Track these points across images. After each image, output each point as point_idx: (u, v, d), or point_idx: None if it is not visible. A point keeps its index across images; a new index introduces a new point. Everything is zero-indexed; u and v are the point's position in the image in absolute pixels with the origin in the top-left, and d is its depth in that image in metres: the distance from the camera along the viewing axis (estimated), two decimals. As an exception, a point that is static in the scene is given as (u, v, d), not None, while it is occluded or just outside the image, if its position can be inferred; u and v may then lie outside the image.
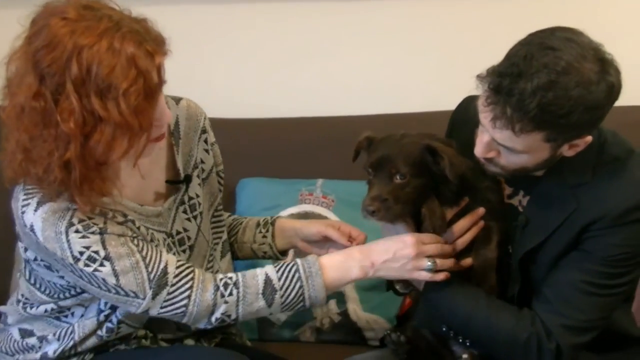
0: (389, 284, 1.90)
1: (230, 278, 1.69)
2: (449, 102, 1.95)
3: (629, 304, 1.88)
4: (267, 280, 1.69)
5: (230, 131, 2.47)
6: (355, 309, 2.34)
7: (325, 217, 2.37)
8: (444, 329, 1.76)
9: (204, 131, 1.91)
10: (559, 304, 1.67)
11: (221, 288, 1.67)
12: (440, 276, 1.70)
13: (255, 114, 2.63)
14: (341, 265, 1.72)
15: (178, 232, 1.82)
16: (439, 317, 1.75)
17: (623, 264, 1.66)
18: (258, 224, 2.01)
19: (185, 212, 1.84)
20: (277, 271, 1.71)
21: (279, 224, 1.99)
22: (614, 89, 1.55)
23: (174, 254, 1.79)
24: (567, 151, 1.62)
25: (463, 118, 1.79)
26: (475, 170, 1.72)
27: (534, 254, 1.71)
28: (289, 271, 1.70)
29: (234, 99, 2.68)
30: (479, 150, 1.64)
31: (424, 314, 1.79)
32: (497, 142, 1.59)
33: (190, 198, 1.85)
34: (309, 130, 2.57)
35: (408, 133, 1.74)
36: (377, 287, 2.21)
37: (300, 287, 1.69)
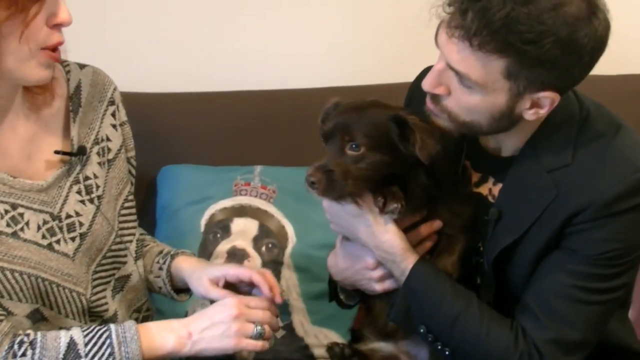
0: (333, 294, 1.87)
1: (28, 335, 1.61)
2: (411, 73, 1.90)
3: (624, 311, 1.83)
4: (71, 344, 1.61)
5: (149, 108, 2.38)
6: (302, 322, 2.27)
7: (264, 211, 2.31)
8: (421, 330, 1.67)
9: (111, 102, 1.84)
10: (545, 317, 1.62)
11: (15, 346, 1.59)
12: (265, 344, 1.70)
13: (179, 87, 2.51)
14: (157, 334, 1.66)
15: (68, 216, 1.74)
16: (418, 314, 1.67)
17: (615, 262, 1.60)
18: (160, 252, 1.94)
19: (79, 193, 1.76)
20: (85, 335, 1.63)
21: (178, 259, 1.90)
22: (598, 39, 1.51)
23: (60, 241, 1.71)
24: (527, 111, 1.56)
25: (422, 93, 1.70)
26: (452, 171, 1.70)
27: (509, 253, 1.65)
28: (100, 336, 1.63)
29: (153, 70, 2.56)
30: (428, 82, 1.60)
31: (399, 309, 1.68)
32: (451, 66, 1.54)
33: (87, 177, 1.78)
34: (244, 106, 2.47)
35: (379, 101, 1.67)
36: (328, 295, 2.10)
37: (111, 354, 1.61)
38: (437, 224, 1.68)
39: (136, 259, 1.87)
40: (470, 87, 1.54)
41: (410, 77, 1.90)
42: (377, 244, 1.66)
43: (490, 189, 1.73)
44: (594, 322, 1.63)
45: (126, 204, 1.86)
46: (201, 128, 2.43)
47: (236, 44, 2.60)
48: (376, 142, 1.59)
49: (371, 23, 2.62)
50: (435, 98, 1.61)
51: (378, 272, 1.71)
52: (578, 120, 1.63)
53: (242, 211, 2.29)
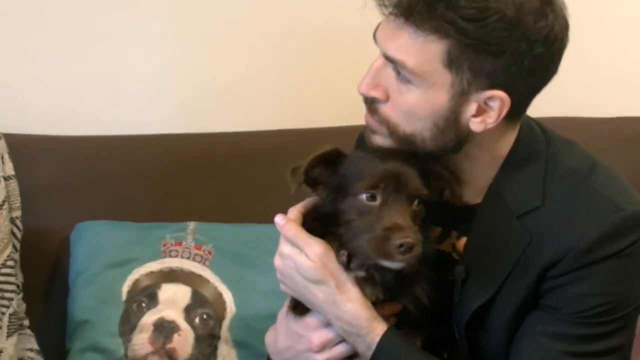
0: None
1: None
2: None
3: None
4: None
5: (59, 154, 2.27)
6: None
7: (198, 276, 2.18)
8: None
9: None
10: None
11: None
12: None
13: (94, 130, 2.41)
14: None
15: None
16: None
17: (604, 320, 1.54)
18: None
19: None
20: None
21: None
22: (551, 28, 1.50)
23: None
24: (474, 119, 1.54)
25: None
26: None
27: (481, 317, 1.60)
28: None
29: (60, 110, 2.45)
30: (364, 83, 1.58)
31: None
32: (387, 55, 1.54)
33: None
34: (176, 152, 2.37)
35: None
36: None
37: None
38: (395, 307, 1.62)
39: (8, 335, 1.81)
40: (409, 80, 1.52)
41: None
42: (339, 314, 1.58)
43: (454, 244, 1.69)
44: None
45: (4, 270, 1.81)
46: (123, 177, 2.32)
47: (158, 81, 2.53)
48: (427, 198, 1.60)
49: (315, 60, 2.59)
50: (373, 107, 1.59)
51: (323, 356, 1.63)
52: (545, 156, 1.60)
53: (172, 276, 2.16)
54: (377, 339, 1.56)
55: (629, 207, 1.53)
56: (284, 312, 1.68)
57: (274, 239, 2.01)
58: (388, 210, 1.52)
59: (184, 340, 2.06)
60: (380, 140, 1.59)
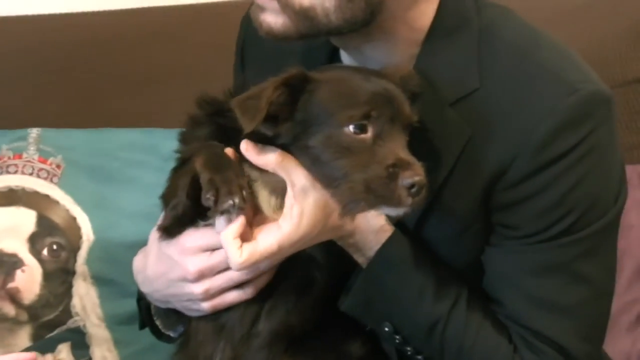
0: (145, 317, 1.69)
1: None
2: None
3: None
4: None
5: None
6: (106, 357, 2.00)
7: (45, 196, 2.03)
8: (386, 329, 1.53)
9: None
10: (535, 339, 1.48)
11: None
12: None
13: None
14: None
15: None
16: (383, 310, 1.54)
17: (576, 237, 1.44)
18: None
19: None
20: None
21: None
22: None
23: None
24: None
25: (257, 36, 1.55)
26: None
27: (425, 230, 1.52)
28: None
29: None
30: None
31: (357, 298, 1.54)
32: None
33: None
34: (9, 38, 2.16)
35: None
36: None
37: None
38: None
39: None
40: None
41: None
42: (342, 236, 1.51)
43: None
44: (591, 326, 1.48)
45: None
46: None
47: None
48: None
49: None
50: None
51: (201, 287, 1.49)
52: (478, 27, 1.49)
53: (10, 197, 2.02)
54: (377, 246, 1.50)
55: (585, 87, 1.41)
56: (156, 233, 1.54)
57: (139, 146, 1.96)
58: (384, 143, 1.39)
59: (30, 278, 1.95)
60: (272, 19, 1.45)
